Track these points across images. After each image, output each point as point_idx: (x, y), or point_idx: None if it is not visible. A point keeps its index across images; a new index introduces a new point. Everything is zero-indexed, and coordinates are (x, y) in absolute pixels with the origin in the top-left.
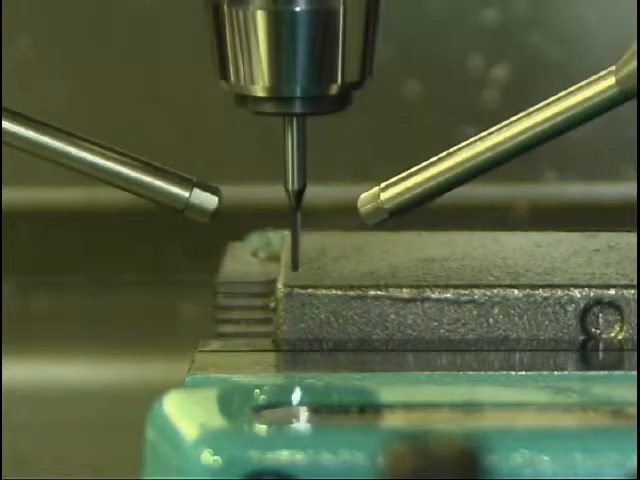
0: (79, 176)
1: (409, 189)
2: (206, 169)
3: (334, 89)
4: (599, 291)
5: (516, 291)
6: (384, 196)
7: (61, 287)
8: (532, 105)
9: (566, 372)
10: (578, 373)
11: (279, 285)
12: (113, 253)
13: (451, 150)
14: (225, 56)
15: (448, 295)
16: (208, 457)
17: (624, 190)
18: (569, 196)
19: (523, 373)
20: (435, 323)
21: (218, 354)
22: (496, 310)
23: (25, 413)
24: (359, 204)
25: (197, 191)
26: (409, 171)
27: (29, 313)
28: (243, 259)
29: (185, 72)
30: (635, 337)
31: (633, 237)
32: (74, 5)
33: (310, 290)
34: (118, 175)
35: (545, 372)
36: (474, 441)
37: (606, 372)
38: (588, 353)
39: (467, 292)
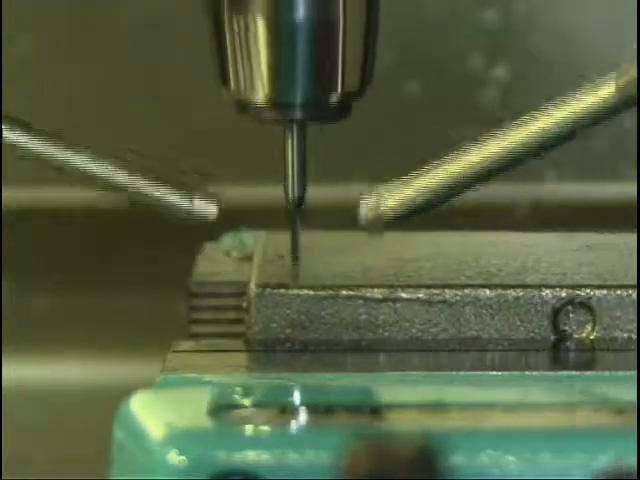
0: None
1: (409, 196)
2: (206, 169)
3: (334, 97)
4: (571, 291)
5: (488, 291)
6: (384, 203)
7: (61, 287)
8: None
9: (537, 372)
10: (549, 373)
11: (251, 285)
12: (113, 253)
13: (450, 159)
14: (225, 63)
15: (420, 295)
16: (174, 457)
17: (624, 190)
18: (569, 196)
19: (494, 373)
20: (407, 323)
21: (190, 354)
22: (468, 310)
23: (25, 413)
24: (359, 210)
25: (198, 201)
26: (409, 177)
27: (29, 313)
28: (216, 259)
29: (186, 72)
30: (607, 337)
31: (608, 237)
32: (74, 5)
33: (282, 290)
34: (117, 184)
35: (516, 372)
36: (433, 441)
37: (577, 372)
38: (559, 353)
39: (439, 292)
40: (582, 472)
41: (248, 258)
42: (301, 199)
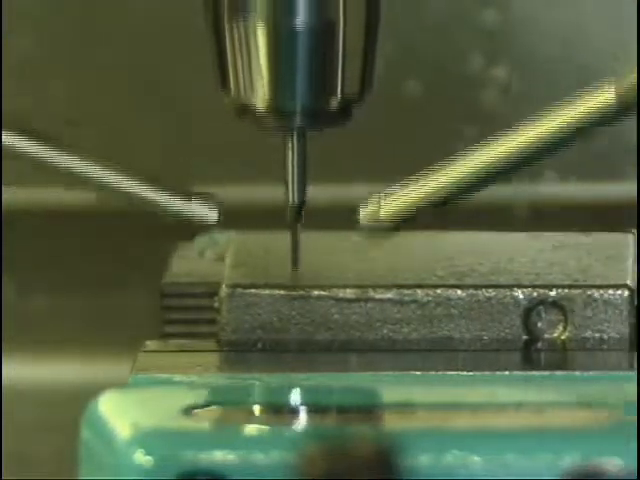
0: None
1: (408, 200)
2: (206, 169)
3: (334, 102)
4: (542, 291)
5: (459, 291)
6: (383, 206)
7: (61, 287)
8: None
9: (508, 372)
10: (520, 373)
11: (222, 285)
12: (113, 253)
13: (449, 163)
14: (225, 69)
15: (391, 295)
16: (140, 457)
17: (624, 190)
18: (569, 196)
19: (464, 373)
20: (378, 323)
21: (161, 354)
22: (439, 310)
23: (25, 413)
24: (359, 219)
25: (197, 205)
26: (409, 181)
27: (29, 313)
28: (190, 260)
29: (185, 72)
30: (578, 337)
31: (580, 237)
32: (74, 5)
33: (253, 290)
34: (117, 187)
35: (487, 372)
36: (391, 442)
37: (548, 372)
38: (531, 353)
39: (410, 292)
40: (548, 472)
41: (222, 258)
42: (301, 205)
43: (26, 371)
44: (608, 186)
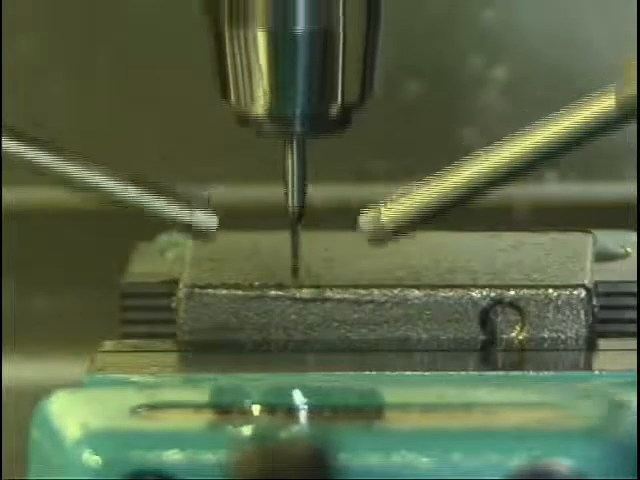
0: None
1: (410, 208)
2: (205, 169)
3: (334, 109)
4: (499, 291)
5: (416, 291)
6: (384, 215)
7: (61, 287)
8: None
9: (464, 372)
10: (475, 373)
11: (180, 285)
12: (114, 253)
13: (450, 171)
14: (226, 76)
15: (348, 295)
16: (89, 457)
17: (624, 190)
18: (569, 196)
19: (419, 373)
20: (336, 323)
21: (118, 354)
22: (396, 310)
23: (25, 413)
24: (360, 225)
25: (198, 213)
26: (410, 188)
27: (29, 313)
28: (150, 259)
29: (185, 72)
30: (536, 337)
31: (536, 237)
32: (74, 5)
33: (210, 290)
34: (117, 195)
35: (442, 372)
36: (326, 442)
37: (503, 372)
38: (488, 353)
39: (367, 292)
40: (496, 472)
41: (182, 259)
42: (301, 209)
43: (26, 371)
44: (608, 186)
